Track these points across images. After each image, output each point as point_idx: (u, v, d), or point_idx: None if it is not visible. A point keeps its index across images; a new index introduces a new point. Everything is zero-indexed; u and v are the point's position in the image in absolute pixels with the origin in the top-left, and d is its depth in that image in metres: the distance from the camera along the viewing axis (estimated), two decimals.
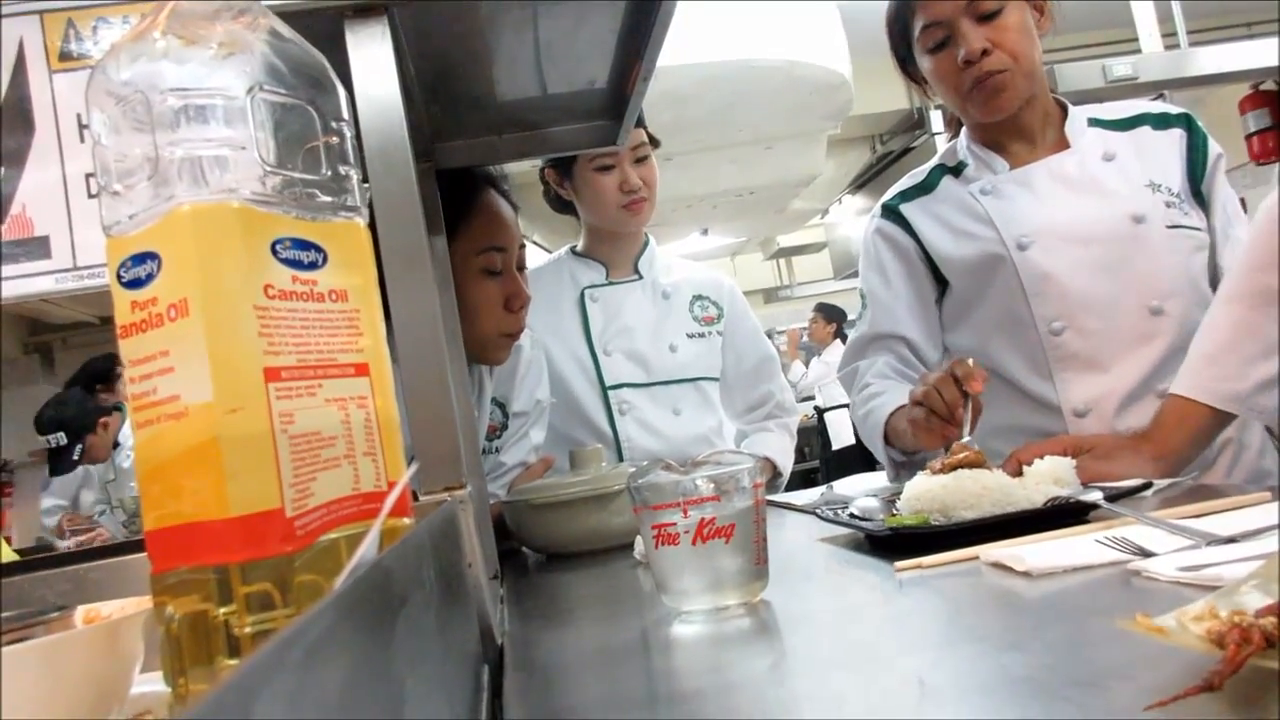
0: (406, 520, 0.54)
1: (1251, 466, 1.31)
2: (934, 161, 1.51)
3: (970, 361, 1.14)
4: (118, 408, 4.48)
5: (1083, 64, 3.43)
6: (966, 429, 1.12)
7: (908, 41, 1.37)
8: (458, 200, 1.35)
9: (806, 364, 7.61)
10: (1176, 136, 1.38)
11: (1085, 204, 1.33)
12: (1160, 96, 3.55)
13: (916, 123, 5.74)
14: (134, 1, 0.80)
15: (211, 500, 0.43)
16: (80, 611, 0.59)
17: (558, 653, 0.74)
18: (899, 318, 1.46)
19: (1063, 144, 1.39)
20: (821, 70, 3.94)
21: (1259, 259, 1.11)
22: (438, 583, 0.54)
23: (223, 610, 0.43)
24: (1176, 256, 1.30)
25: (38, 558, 0.83)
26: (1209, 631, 0.41)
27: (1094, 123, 1.41)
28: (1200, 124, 1.40)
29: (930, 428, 1.15)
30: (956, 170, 1.46)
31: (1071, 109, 1.42)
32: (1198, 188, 1.36)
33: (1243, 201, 1.72)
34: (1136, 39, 3.67)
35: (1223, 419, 1.12)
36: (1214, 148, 1.37)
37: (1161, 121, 1.40)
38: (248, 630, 0.43)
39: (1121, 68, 3.33)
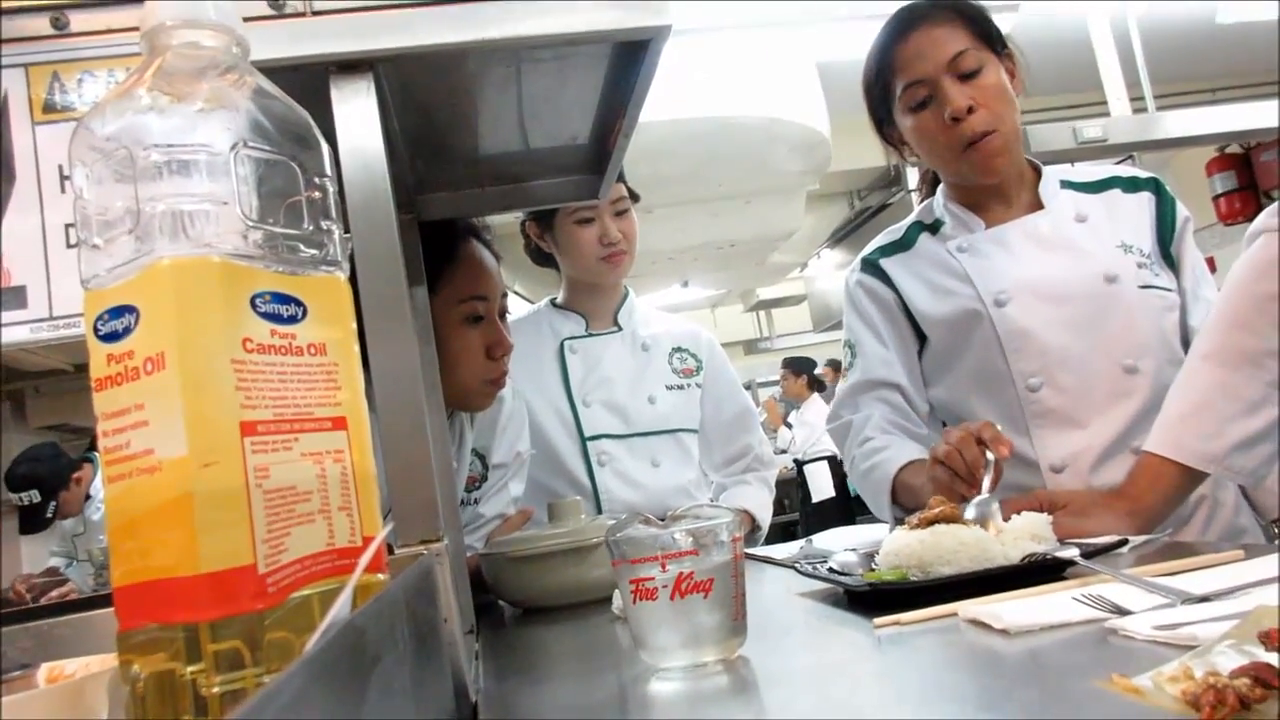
0: (381, 576, 0.53)
1: (1226, 523, 1.31)
2: (911, 218, 1.53)
3: (999, 427, 1.15)
4: (88, 459, 4.39)
5: (1054, 125, 3.52)
6: (986, 489, 1.11)
7: (887, 104, 1.40)
8: (440, 250, 1.36)
9: (786, 417, 7.62)
10: (1145, 200, 1.41)
11: (1060, 263, 1.35)
12: (1129, 158, 3.64)
13: (894, 179, 5.84)
14: (120, 57, 0.81)
15: (182, 556, 0.42)
16: (43, 670, 0.57)
17: (533, 711, 0.73)
18: (890, 364, 1.47)
19: (1036, 204, 1.42)
20: (800, 127, 4.01)
21: (1234, 318, 1.13)
22: (411, 640, 0.53)
23: (190, 669, 0.42)
24: (1149, 315, 1.33)
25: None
26: (1184, 692, 0.41)
27: (1066, 184, 1.44)
28: (1168, 188, 1.43)
29: (952, 488, 1.15)
30: (934, 228, 1.48)
31: (1045, 170, 1.45)
32: (1167, 249, 1.39)
33: (1210, 261, 1.75)
34: (1105, 102, 3.77)
35: (1197, 477, 1.13)
36: (1181, 211, 1.41)
37: (1131, 185, 1.43)
38: (215, 690, 0.42)
39: (1092, 130, 3.42)
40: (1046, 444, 1.33)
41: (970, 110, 1.30)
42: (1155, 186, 1.43)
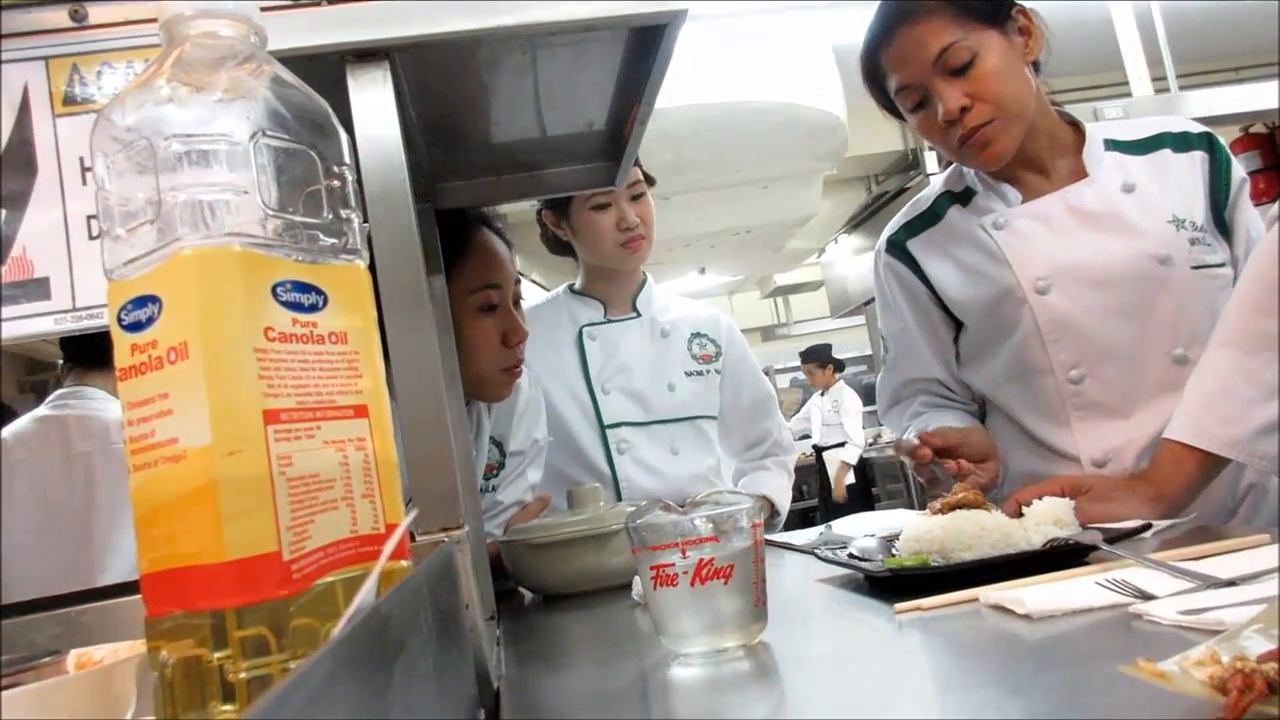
0: (404, 563, 0.53)
1: (1273, 510, 1.26)
2: (938, 187, 1.43)
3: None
4: None
5: (1074, 107, 3.47)
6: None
7: (890, 99, 1.32)
8: (452, 240, 1.36)
9: (803, 404, 7.62)
10: (1198, 160, 1.31)
11: (1107, 242, 1.26)
12: None
13: (911, 163, 5.79)
14: (139, 48, 0.81)
15: (208, 543, 0.43)
16: (72, 656, 0.58)
17: (555, 696, 0.73)
18: (924, 361, 1.43)
19: (1079, 171, 1.31)
20: (817, 112, 3.99)
21: (1254, 302, 1.11)
22: (435, 626, 0.53)
23: (217, 655, 0.42)
24: (1202, 299, 1.24)
25: (28, 600, 0.82)
26: (1211, 677, 0.40)
27: (1111, 145, 1.33)
28: (1223, 143, 1.32)
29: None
30: (964, 198, 1.38)
31: (1088, 131, 1.34)
32: (1221, 215, 1.29)
33: None
34: (1127, 83, 3.73)
35: (1220, 463, 1.11)
36: (1238, 171, 1.30)
37: (1182, 143, 1.32)
38: (242, 676, 0.42)
39: (1112, 111, 3.36)
40: (1089, 437, 1.27)
41: (965, 110, 1.21)
42: (1208, 143, 1.31)
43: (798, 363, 7.66)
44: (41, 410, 2.37)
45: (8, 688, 0.49)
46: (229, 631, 0.42)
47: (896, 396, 1.50)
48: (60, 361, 2.48)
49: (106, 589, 0.80)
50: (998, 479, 1.24)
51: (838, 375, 7.08)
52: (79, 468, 2.26)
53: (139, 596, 0.45)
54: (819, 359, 7.12)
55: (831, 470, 6.73)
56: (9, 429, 2.34)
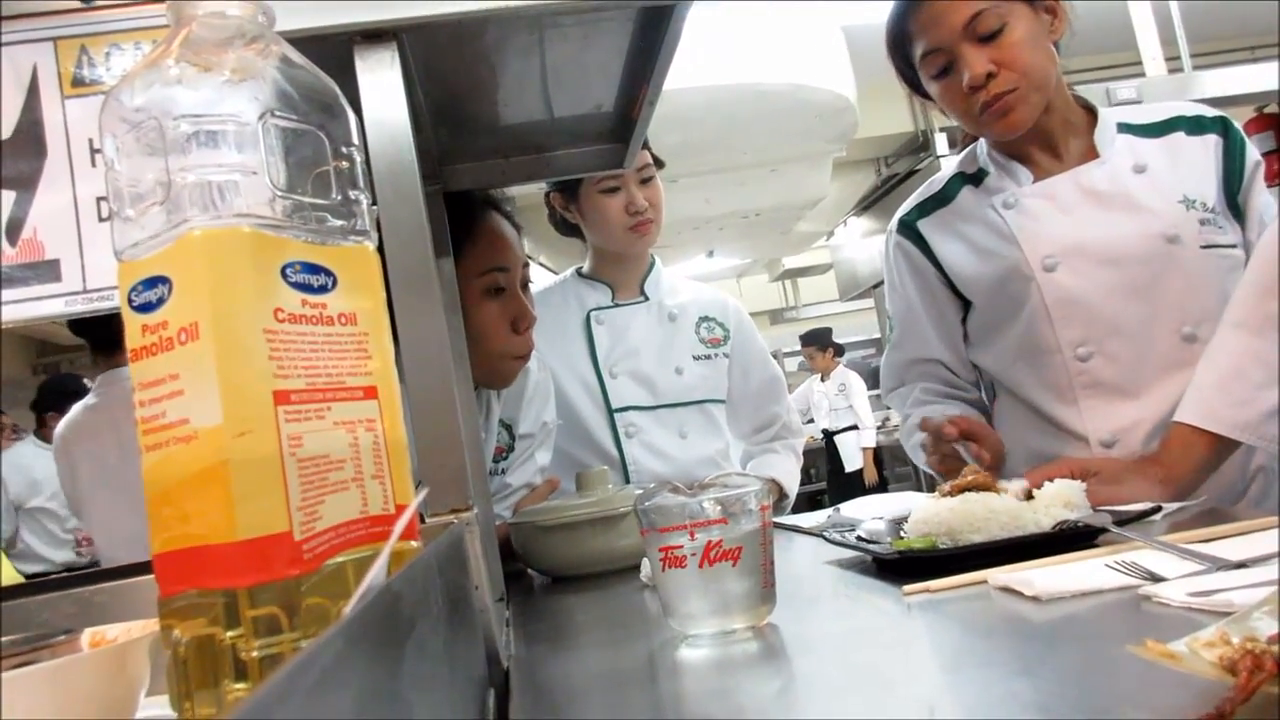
0: (414, 543, 0.54)
1: None
2: (952, 169, 1.45)
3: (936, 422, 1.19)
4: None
5: (1087, 87, 3.44)
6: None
7: (913, 69, 1.33)
8: (459, 223, 1.36)
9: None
10: (1212, 143, 1.31)
11: (1116, 221, 1.27)
12: None
13: (921, 145, 5.75)
14: (147, 29, 0.81)
15: (220, 523, 0.43)
16: (87, 635, 0.58)
17: (564, 676, 0.73)
18: (928, 341, 1.43)
19: (1091, 153, 1.32)
20: (826, 93, 3.96)
21: (1264, 284, 1.10)
22: (444, 606, 0.54)
23: (230, 634, 0.43)
24: (1211, 279, 1.24)
25: (42, 580, 0.83)
26: (1221, 658, 0.40)
27: (1124, 128, 1.34)
28: (1237, 128, 1.32)
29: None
30: (976, 179, 1.39)
31: (1101, 114, 1.35)
32: (1234, 199, 1.29)
33: None
34: (1140, 63, 3.69)
35: (1230, 446, 1.11)
36: (1252, 154, 1.30)
37: (1196, 126, 1.33)
38: (254, 654, 0.42)
39: (1126, 91, 3.34)
40: (1096, 417, 1.27)
41: (990, 76, 1.22)
42: (1223, 126, 1.32)
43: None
44: (90, 399, 2.41)
45: (23, 665, 0.50)
46: (241, 610, 0.43)
47: (900, 378, 1.51)
48: (90, 352, 2.53)
49: (120, 569, 0.80)
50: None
51: (838, 360, 7.06)
52: (133, 451, 2.30)
53: (152, 576, 0.45)
54: (819, 343, 7.10)
55: (845, 454, 6.74)
56: (64, 421, 2.39)
